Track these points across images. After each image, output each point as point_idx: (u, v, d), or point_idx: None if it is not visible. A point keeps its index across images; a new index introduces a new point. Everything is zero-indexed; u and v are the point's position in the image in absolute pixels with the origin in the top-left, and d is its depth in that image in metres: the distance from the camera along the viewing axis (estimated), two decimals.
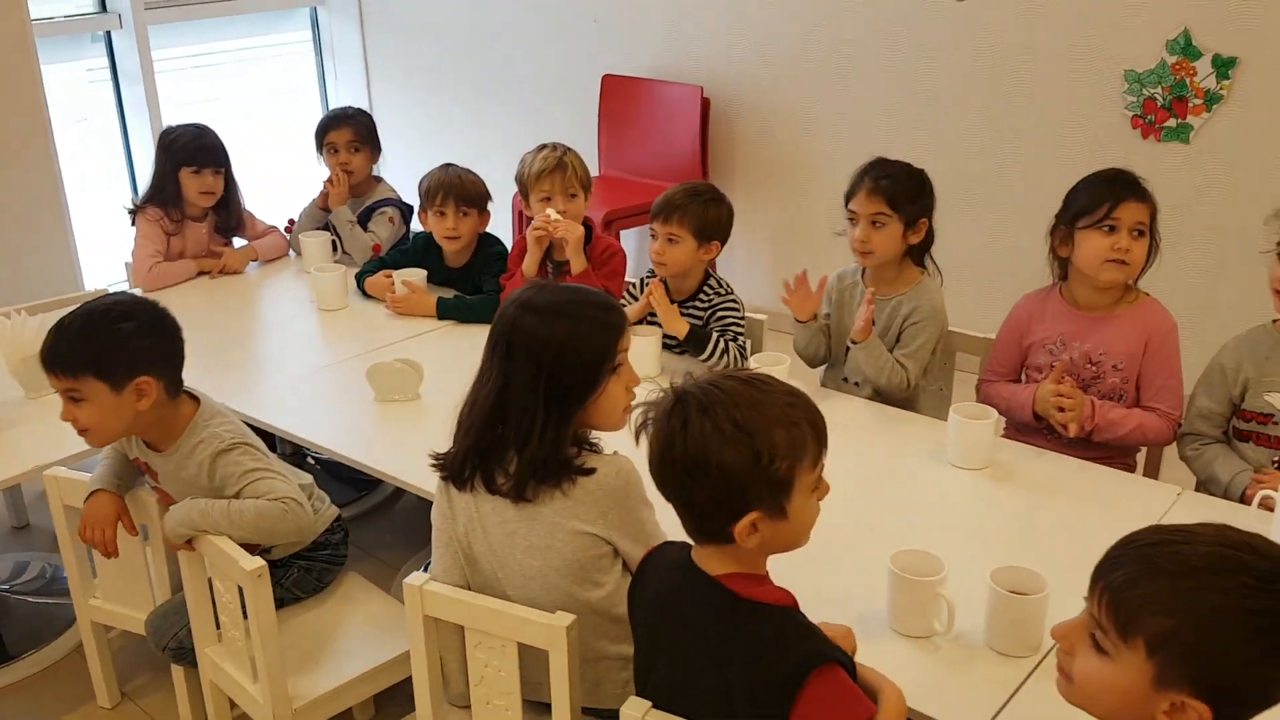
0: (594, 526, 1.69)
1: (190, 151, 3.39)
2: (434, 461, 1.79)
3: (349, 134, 3.60)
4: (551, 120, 4.90)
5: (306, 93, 5.84)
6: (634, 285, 2.90)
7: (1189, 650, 1.09)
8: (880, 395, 2.55)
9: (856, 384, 2.63)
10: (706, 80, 4.42)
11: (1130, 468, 2.42)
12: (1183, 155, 3.44)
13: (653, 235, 2.67)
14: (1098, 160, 3.45)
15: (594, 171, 3.22)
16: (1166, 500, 2.06)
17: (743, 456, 1.32)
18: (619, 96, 4.66)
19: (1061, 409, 2.30)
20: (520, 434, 1.67)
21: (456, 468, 1.75)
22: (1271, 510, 1.87)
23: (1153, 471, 2.47)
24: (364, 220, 3.61)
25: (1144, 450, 2.48)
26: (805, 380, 2.31)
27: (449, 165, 3.22)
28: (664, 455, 1.38)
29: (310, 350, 2.98)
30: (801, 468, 1.36)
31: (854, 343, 2.50)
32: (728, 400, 1.35)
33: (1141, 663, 1.11)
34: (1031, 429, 2.43)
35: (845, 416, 2.44)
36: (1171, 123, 3.44)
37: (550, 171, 2.93)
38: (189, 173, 3.39)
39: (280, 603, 2.10)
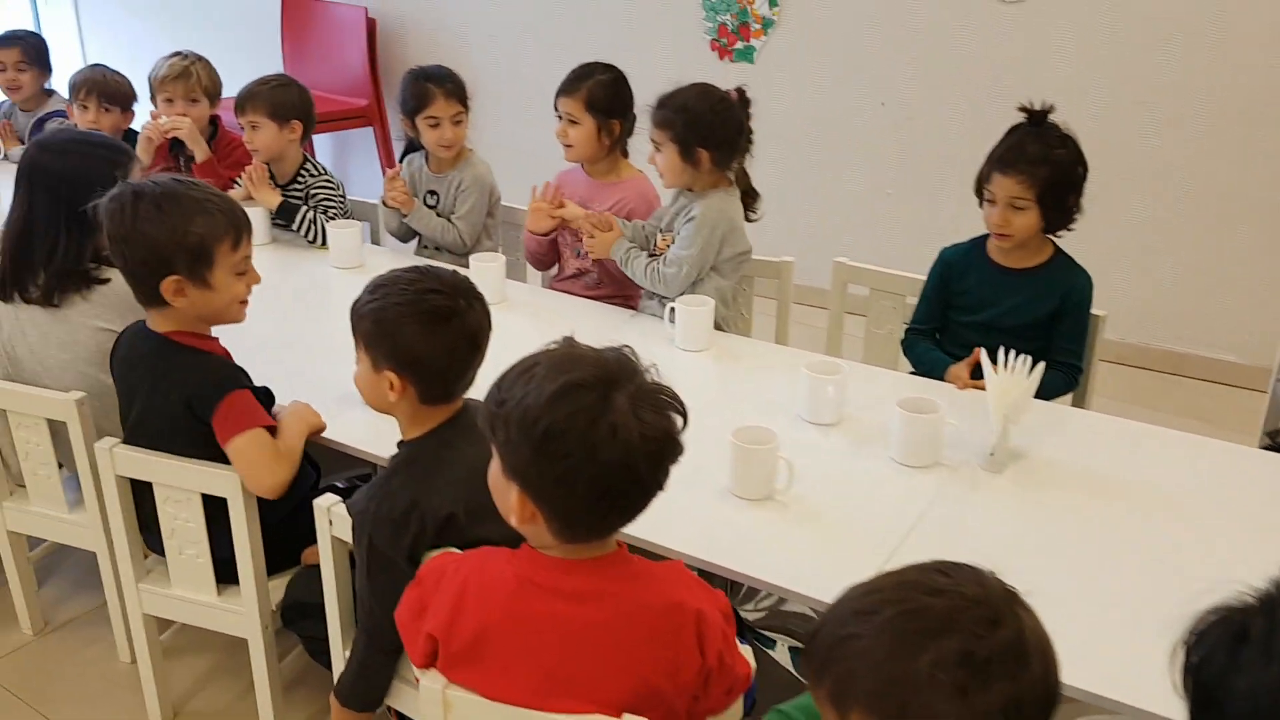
0: (113, 324, 2.15)
1: None
2: None
3: (15, 54, 3.93)
4: (241, 41, 5.21)
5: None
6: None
7: None
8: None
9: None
10: (372, 1, 4.84)
11: None
12: (750, 73, 4.10)
13: (240, 128, 3.10)
14: (687, 78, 4.09)
15: None
16: None
17: (162, 229, 1.81)
18: (296, 17, 5.03)
19: None
20: (45, 251, 2.11)
21: None
22: None
23: None
24: (39, 128, 3.92)
25: None
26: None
27: (96, 65, 3.57)
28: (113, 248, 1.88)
29: None
30: (219, 245, 1.85)
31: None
32: (157, 191, 1.84)
33: None
34: None
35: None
36: (740, 45, 4.09)
37: (174, 78, 3.32)
38: None
39: None
